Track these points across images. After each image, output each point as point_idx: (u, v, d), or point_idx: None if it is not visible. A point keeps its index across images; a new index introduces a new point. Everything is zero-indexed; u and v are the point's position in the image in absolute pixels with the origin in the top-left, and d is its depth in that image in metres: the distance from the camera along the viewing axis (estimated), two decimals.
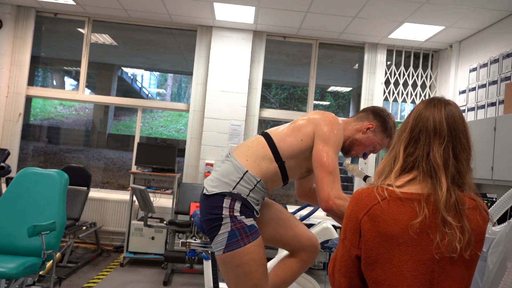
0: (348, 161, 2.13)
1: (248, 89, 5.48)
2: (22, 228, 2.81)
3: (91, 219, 5.19)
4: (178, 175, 4.99)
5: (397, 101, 5.70)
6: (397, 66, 5.70)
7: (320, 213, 4.84)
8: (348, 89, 6.36)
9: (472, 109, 4.61)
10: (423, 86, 5.72)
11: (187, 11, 5.06)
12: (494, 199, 3.81)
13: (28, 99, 5.75)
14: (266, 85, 6.16)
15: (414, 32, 5.08)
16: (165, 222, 4.67)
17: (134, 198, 4.52)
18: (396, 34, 5.18)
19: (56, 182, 3.04)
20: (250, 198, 1.80)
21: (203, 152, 5.36)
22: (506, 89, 3.88)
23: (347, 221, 1.18)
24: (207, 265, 2.81)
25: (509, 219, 1.34)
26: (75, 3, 5.10)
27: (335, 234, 3.09)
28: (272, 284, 1.95)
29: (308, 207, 3.38)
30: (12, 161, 5.25)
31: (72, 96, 5.68)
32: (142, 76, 7.11)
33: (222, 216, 1.76)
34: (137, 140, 5.64)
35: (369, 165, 5.46)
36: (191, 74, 5.59)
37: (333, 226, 3.19)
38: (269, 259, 2.50)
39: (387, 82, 5.68)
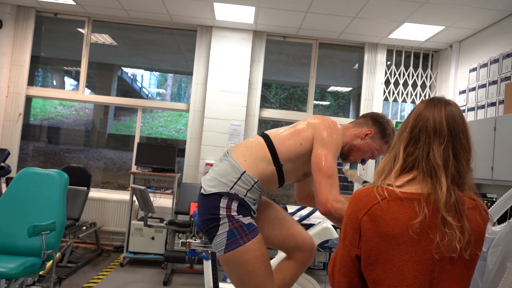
0: (347, 166, 2.14)
1: (248, 89, 5.48)
2: (22, 228, 2.81)
3: (91, 219, 5.19)
4: (178, 175, 4.99)
5: (397, 101, 5.71)
6: (397, 66, 5.70)
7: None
8: (348, 89, 6.36)
9: (472, 109, 4.61)
10: (423, 86, 5.72)
11: (187, 11, 5.06)
12: (494, 199, 3.81)
13: (28, 99, 5.75)
14: (266, 85, 6.16)
15: (414, 32, 5.08)
16: (165, 222, 4.67)
17: (134, 198, 4.52)
18: (396, 34, 5.18)
19: (56, 182, 3.04)
20: (247, 198, 1.81)
21: (203, 152, 5.36)
22: (506, 89, 3.88)
23: (347, 220, 1.18)
24: (207, 265, 2.81)
25: (509, 219, 1.34)
26: (75, 3, 5.10)
27: (335, 234, 3.09)
28: None
29: (308, 207, 3.38)
30: (12, 161, 5.26)
31: (72, 96, 5.68)
32: (142, 76, 7.10)
33: (220, 216, 1.77)
34: (137, 140, 5.64)
35: (368, 165, 5.46)
36: (191, 74, 5.59)
37: (333, 226, 3.19)
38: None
39: (387, 82, 5.68)
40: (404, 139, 1.20)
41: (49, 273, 2.99)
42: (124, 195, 5.43)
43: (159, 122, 6.69)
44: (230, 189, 1.79)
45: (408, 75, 5.69)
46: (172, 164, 5.02)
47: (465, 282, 1.11)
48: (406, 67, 5.69)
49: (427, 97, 5.52)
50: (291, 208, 4.94)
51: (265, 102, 6.13)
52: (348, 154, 2.00)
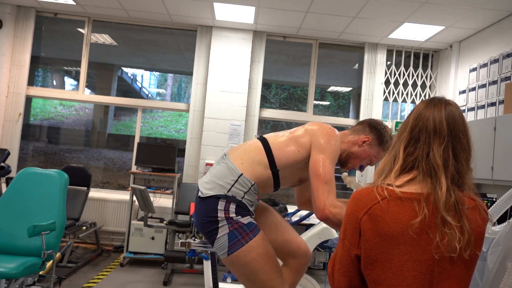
0: (345, 173, 2.15)
1: (248, 89, 5.48)
2: (22, 228, 2.82)
3: (91, 219, 5.19)
4: (178, 175, 4.99)
5: (397, 101, 5.71)
6: (397, 66, 5.70)
7: None
8: (348, 89, 6.36)
9: (472, 109, 4.61)
10: (423, 86, 5.72)
11: (187, 11, 5.06)
12: (494, 199, 3.81)
13: (28, 99, 5.76)
14: (266, 85, 6.16)
15: (414, 32, 5.08)
16: (165, 222, 4.67)
17: (134, 198, 4.52)
18: (396, 34, 5.18)
19: (56, 182, 3.04)
20: (245, 200, 1.82)
21: (203, 152, 5.36)
22: (506, 89, 3.88)
23: (347, 220, 1.18)
24: (207, 265, 2.81)
25: (509, 219, 1.34)
26: (75, 3, 5.10)
27: (335, 234, 3.09)
28: None
29: None
30: (12, 161, 5.26)
31: (72, 96, 5.68)
32: (142, 76, 7.10)
33: (218, 219, 1.77)
34: (137, 140, 5.64)
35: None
36: (191, 74, 5.59)
37: None
38: None
39: (387, 82, 5.68)
40: (404, 139, 1.20)
41: (49, 273, 2.99)
42: (124, 195, 5.43)
43: (159, 122, 6.68)
44: (228, 191, 1.79)
45: (408, 75, 5.69)
46: (172, 164, 5.02)
47: (464, 282, 1.11)
48: (406, 67, 5.69)
49: (427, 97, 5.52)
50: (291, 208, 4.94)
51: (265, 102, 6.13)
52: (346, 161, 2.01)
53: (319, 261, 5.20)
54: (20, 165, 5.47)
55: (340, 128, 5.94)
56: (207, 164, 5.32)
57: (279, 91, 6.46)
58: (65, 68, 6.28)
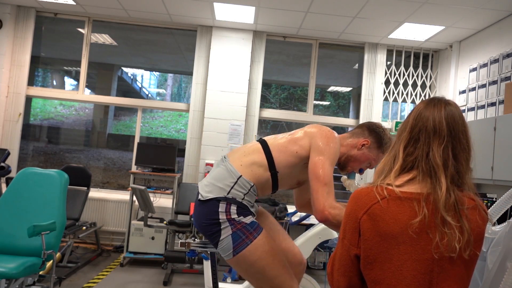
0: (345, 176, 2.16)
1: (248, 89, 5.48)
2: (22, 228, 2.81)
3: (91, 219, 5.19)
4: (178, 175, 4.99)
5: (397, 101, 5.71)
6: (397, 66, 5.70)
7: None
8: (348, 89, 6.36)
9: (472, 109, 4.61)
10: (423, 86, 5.72)
11: (187, 11, 5.07)
12: (494, 199, 3.81)
13: (28, 99, 5.76)
14: (266, 85, 6.16)
15: (414, 32, 5.08)
16: (165, 222, 4.67)
17: (134, 198, 4.52)
18: (396, 34, 5.18)
19: (56, 182, 3.04)
20: (246, 201, 1.83)
21: (203, 152, 5.36)
22: (506, 89, 3.88)
23: (347, 220, 1.18)
24: (207, 265, 2.81)
25: (509, 219, 1.34)
26: (75, 3, 5.11)
27: (335, 234, 3.09)
28: None
29: None
30: (12, 161, 5.26)
31: (72, 96, 5.68)
32: (142, 76, 7.10)
33: (220, 220, 1.77)
34: (137, 140, 5.64)
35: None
36: (191, 74, 5.59)
37: None
38: None
39: (387, 82, 5.68)
40: (404, 138, 1.20)
41: (49, 273, 2.99)
42: (124, 195, 5.43)
43: (159, 122, 6.68)
44: (227, 193, 1.80)
45: (408, 75, 5.69)
46: (172, 164, 5.02)
47: (464, 282, 1.11)
48: (406, 67, 5.69)
49: (427, 97, 5.52)
50: (291, 208, 4.93)
51: (265, 102, 6.13)
52: (346, 164, 2.02)
53: (319, 261, 5.20)
54: (20, 165, 5.47)
55: (340, 128, 5.95)
56: (207, 164, 5.32)
57: (279, 91, 6.46)
58: (65, 68, 6.28)
